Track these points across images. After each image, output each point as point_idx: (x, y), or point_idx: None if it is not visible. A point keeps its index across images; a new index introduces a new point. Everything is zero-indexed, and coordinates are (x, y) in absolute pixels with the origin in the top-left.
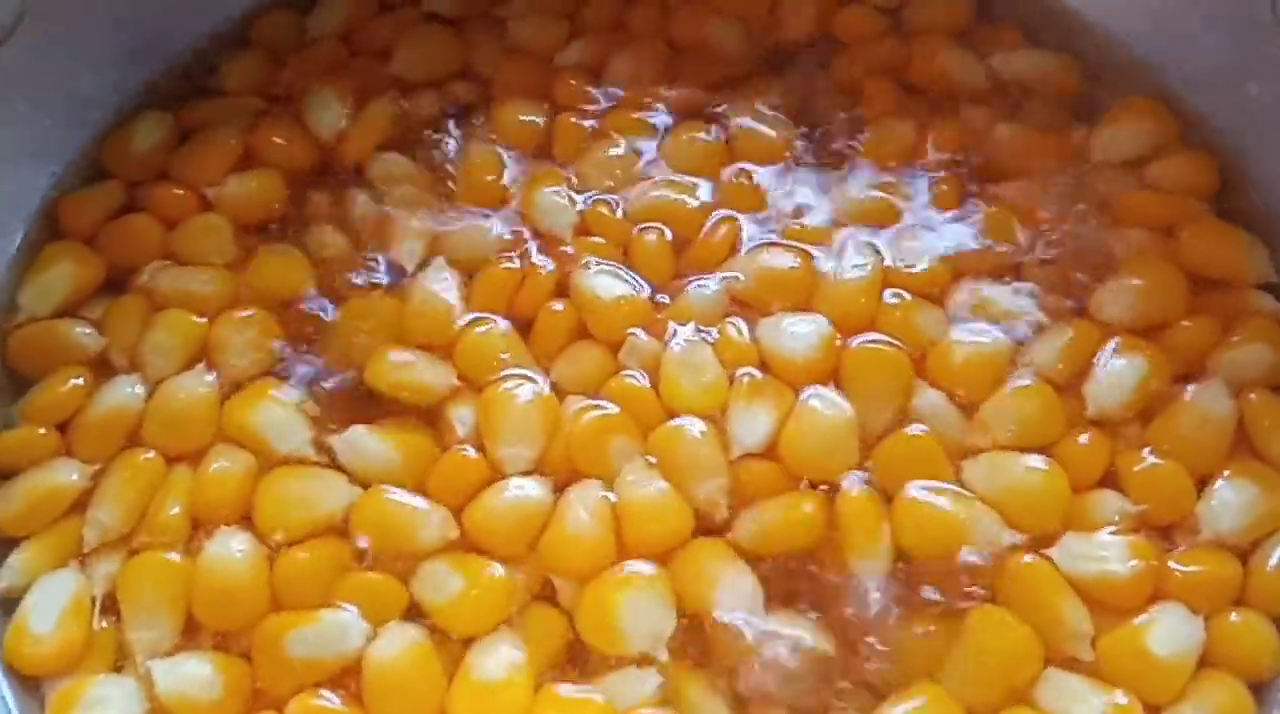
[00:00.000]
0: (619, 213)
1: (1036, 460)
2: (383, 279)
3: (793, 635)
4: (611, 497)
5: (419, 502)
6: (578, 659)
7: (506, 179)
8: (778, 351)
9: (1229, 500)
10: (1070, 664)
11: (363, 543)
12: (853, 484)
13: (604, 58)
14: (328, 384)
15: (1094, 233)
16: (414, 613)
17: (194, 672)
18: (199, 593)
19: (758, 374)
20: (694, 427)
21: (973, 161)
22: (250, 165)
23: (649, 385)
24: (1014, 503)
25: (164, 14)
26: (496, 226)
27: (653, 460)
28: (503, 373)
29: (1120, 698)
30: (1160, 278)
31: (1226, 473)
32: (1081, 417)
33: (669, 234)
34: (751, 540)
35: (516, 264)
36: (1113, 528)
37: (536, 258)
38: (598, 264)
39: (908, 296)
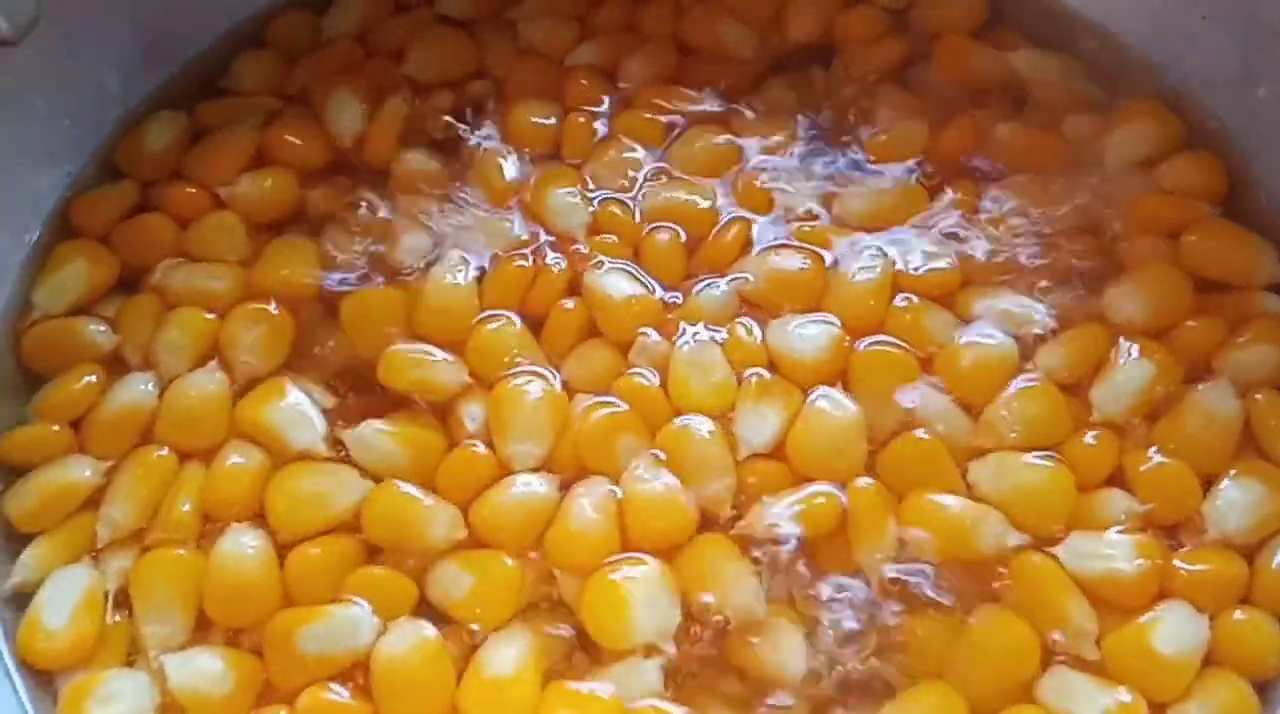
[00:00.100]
0: (631, 213)
1: (1043, 460)
2: (396, 275)
3: (796, 632)
4: (618, 493)
5: (429, 498)
6: (585, 651)
7: (519, 179)
8: (787, 352)
9: (1235, 500)
10: (1075, 662)
11: (373, 540)
12: (861, 480)
13: (616, 59)
14: (339, 378)
15: (1101, 235)
16: (424, 608)
17: (206, 666)
18: (211, 589)
19: (766, 375)
20: (702, 426)
21: (982, 164)
22: (263, 164)
23: (658, 384)
24: (1020, 503)
25: (179, 14)
26: (509, 225)
27: (661, 456)
28: (513, 370)
29: (1125, 696)
30: (1167, 280)
31: (1232, 472)
32: (1088, 416)
33: (681, 234)
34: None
35: (529, 262)
36: (1119, 527)
37: (549, 256)
38: (609, 263)
39: (916, 299)
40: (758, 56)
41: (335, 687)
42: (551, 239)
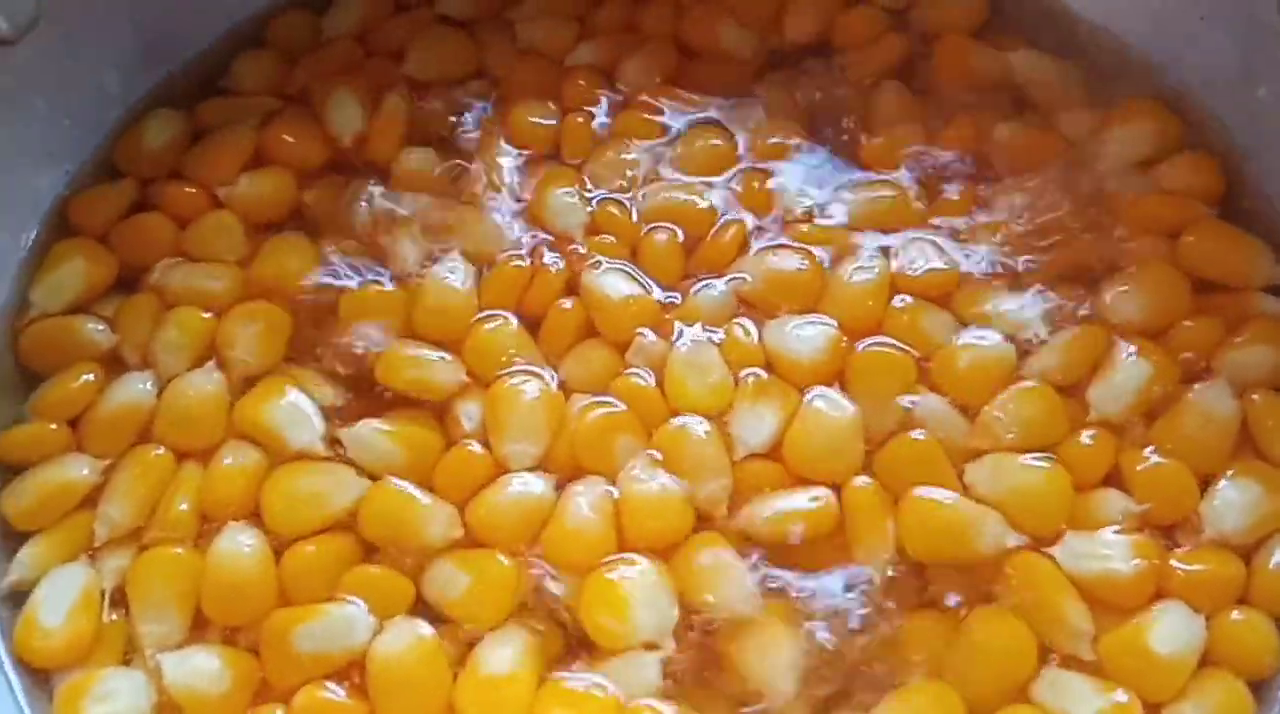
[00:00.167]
0: (629, 213)
1: (1040, 461)
2: (394, 274)
3: (790, 648)
4: (614, 492)
5: (425, 497)
6: (581, 650)
7: (518, 179)
8: (784, 353)
9: (1232, 500)
10: (1071, 662)
11: (369, 538)
12: (859, 480)
13: (615, 59)
14: (337, 376)
15: (1100, 235)
16: (420, 607)
17: (202, 665)
18: (207, 588)
19: (763, 375)
20: (698, 426)
21: (981, 164)
22: (262, 164)
23: (655, 385)
24: (1017, 504)
25: (179, 14)
26: (508, 225)
27: (657, 456)
28: (510, 370)
29: (1120, 696)
30: (1165, 280)
31: (1230, 472)
32: (1085, 417)
33: (679, 235)
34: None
35: (527, 263)
36: (1116, 527)
37: (547, 256)
38: (607, 263)
39: (914, 301)
40: (757, 57)
41: (331, 685)
42: (550, 239)
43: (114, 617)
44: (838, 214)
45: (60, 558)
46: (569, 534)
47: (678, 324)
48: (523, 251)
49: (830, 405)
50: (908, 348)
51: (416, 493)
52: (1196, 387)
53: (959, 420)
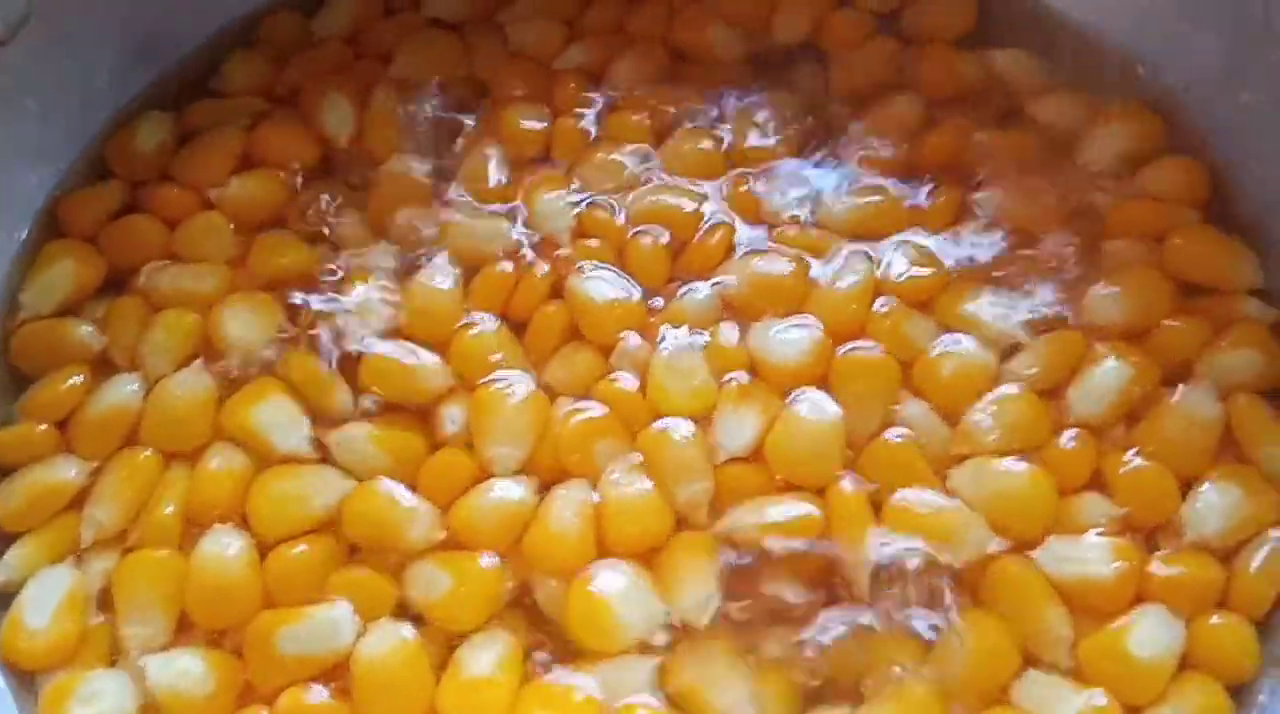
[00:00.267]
0: (617, 216)
1: (1022, 465)
2: (382, 277)
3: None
4: (595, 497)
5: (409, 499)
6: (569, 654)
7: (507, 182)
8: (768, 357)
9: (1213, 503)
10: (1052, 665)
11: (352, 538)
12: (846, 482)
13: (604, 62)
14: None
15: (1084, 239)
16: (404, 609)
17: (186, 667)
18: (192, 590)
19: (746, 379)
20: (680, 429)
21: (966, 168)
22: (252, 166)
23: (637, 388)
24: (1001, 508)
25: (170, 15)
26: (495, 228)
27: (639, 460)
28: (495, 373)
29: (1099, 699)
30: (1145, 283)
31: (1212, 476)
32: (1066, 420)
33: (665, 238)
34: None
35: (513, 266)
36: (1097, 530)
37: (533, 260)
38: (592, 267)
39: (897, 305)
40: (746, 60)
41: (315, 687)
42: (536, 242)
43: (100, 619)
44: (824, 218)
45: (47, 559)
46: (550, 538)
47: (662, 327)
48: (509, 255)
49: (812, 408)
50: (891, 352)
51: (400, 495)
52: (1179, 389)
53: (941, 425)
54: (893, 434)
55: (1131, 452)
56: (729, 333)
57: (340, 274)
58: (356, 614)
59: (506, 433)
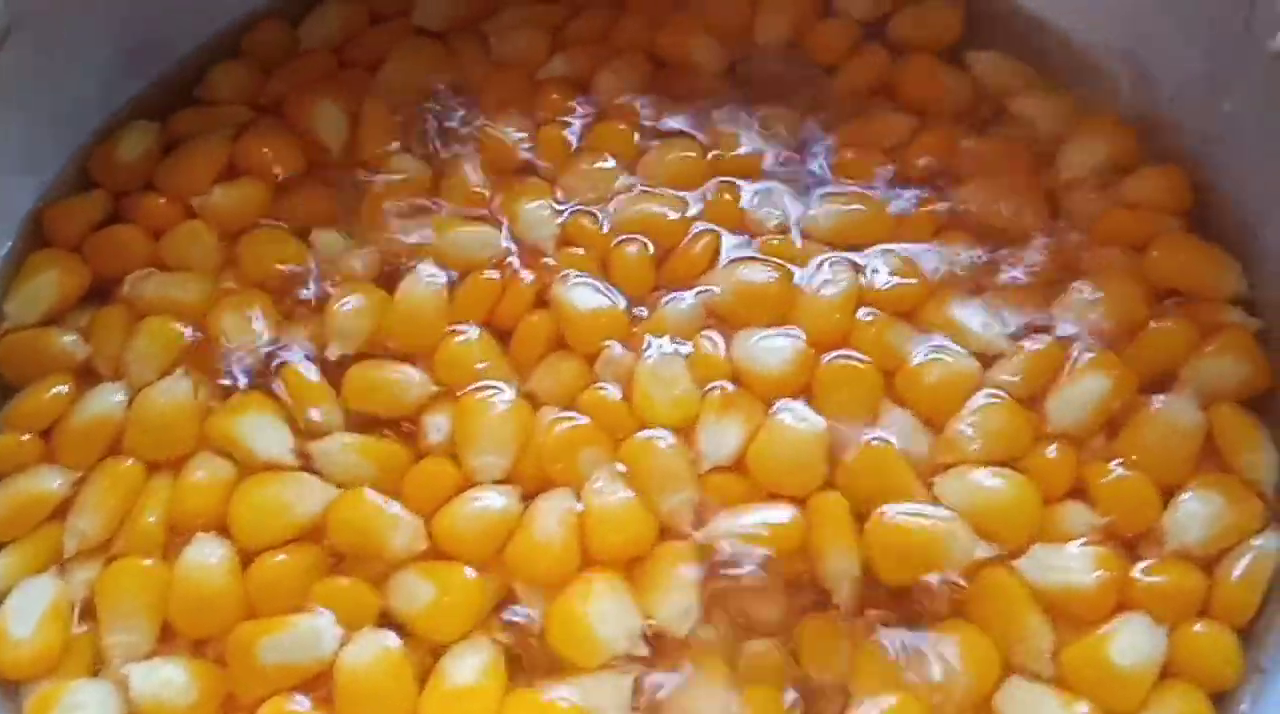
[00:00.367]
0: (601, 225)
1: (1006, 474)
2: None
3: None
4: (579, 506)
5: (392, 508)
6: (553, 666)
7: (491, 191)
8: (752, 366)
9: (1195, 512)
10: (1033, 674)
11: (336, 546)
12: (827, 494)
13: (590, 71)
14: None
15: (1067, 247)
16: (387, 619)
17: (169, 676)
18: (175, 599)
19: (730, 388)
20: (664, 439)
21: (950, 177)
22: (237, 175)
23: (621, 398)
24: (985, 517)
25: (156, 24)
26: (480, 237)
27: (622, 469)
28: (480, 382)
29: (1081, 707)
30: (1123, 290)
31: (1193, 485)
32: (1046, 430)
33: (649, 247)
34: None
35: (498, 275)
36: (1079, 539)
37: (518, 269)
38: (576, 276)
39: (881, 314)
40: (730, 69)
41: (298, 697)
42: (521, 251)
43: (84, 628)
44: (808, 227)
45: (30, 569)
46: (534, 547)
47: (647, 336)
48: (494, 264)
49: (795, 418)
50: (874, 361)
51: (383, 502)
52: (1161, 398)
53: (924, 434)
54: (874, 439)
55: (1113, 461)
56: (712, 342)
57: (326, 281)
58: (339, 624)
59: (490, 442)
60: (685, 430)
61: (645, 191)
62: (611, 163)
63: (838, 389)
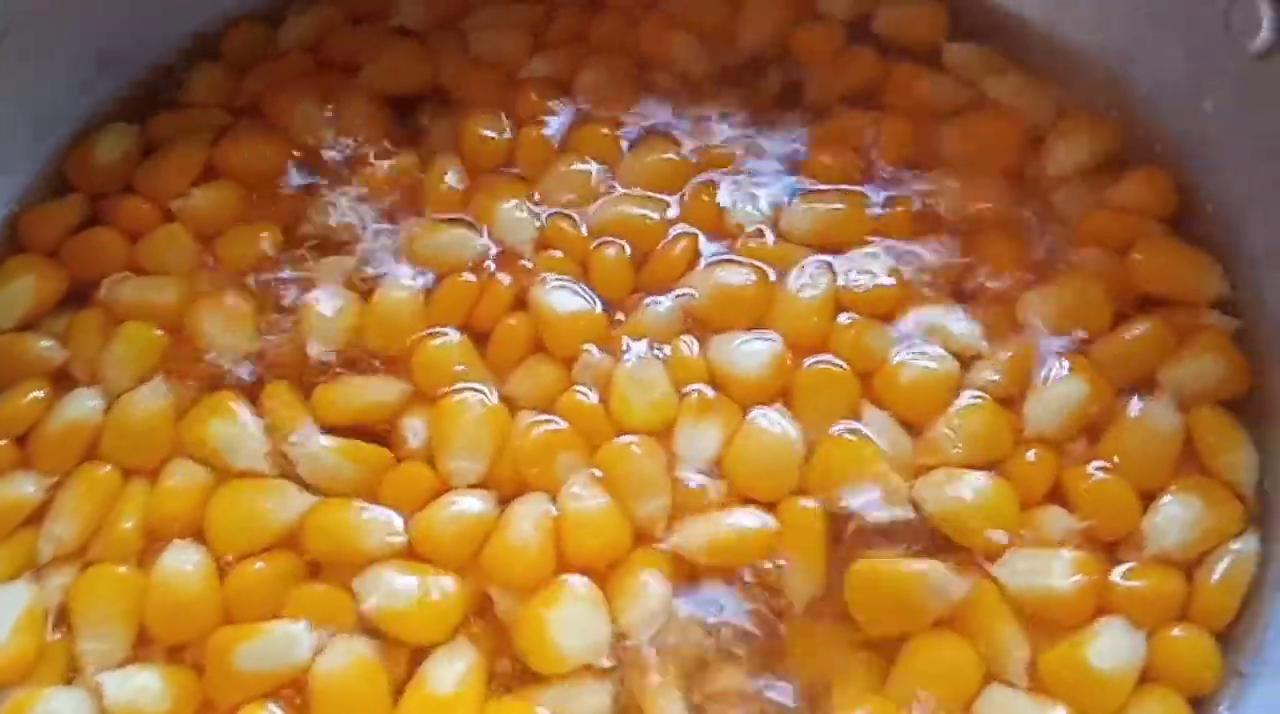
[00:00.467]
0: (579, 228)
1: (985, 477)
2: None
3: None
4: (554, 510)
5: (369, 511)
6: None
7: (469, 193)
8: (730, 370)
9: (1175, 515)
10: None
11: (313, 554)
12: (804, 502)
13: (569, 71)
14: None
15: (1047, 249)
16: (364, 626)
17: (144, 683)
18: (151, 606)
19: (708, 392)
20: (640, 444)
21: (930, 178)
22: (216, 177)
23: (598, 402)
24: (964, 520)
25: (133, 27)
26: (458, 239)
27: (598, 474)
28: (457, 386)
29: (1060, 712)
30: (1098, 292)
31: (1173, 488)
32: (1024, 433)
33: (628, 249)
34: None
35: (476, 277)
36: (1058, 544)
37: (496, 272)
38: (555, 279)
39: (859, 317)
40: (711, 70)
41: (272, 705)
42: (499, 253)
43: (58, 635)
44: (786, 229)
45: (5, 575)
46: (509, 551)
47: (625, 340)
48: (472, 266)
49: (771, 423)
50: (852, 364)
51: (360, 508)
52: (1140, 402)
53: (903, 436)
54: (844, 431)
55: (1092, 465)
56: (690, 346)
57: (305, 283)
58: (315, 630)
59: (467, 446)
60: (663, 434)
61: (624, 193)
62: (591, 164)
63: (816, 393)
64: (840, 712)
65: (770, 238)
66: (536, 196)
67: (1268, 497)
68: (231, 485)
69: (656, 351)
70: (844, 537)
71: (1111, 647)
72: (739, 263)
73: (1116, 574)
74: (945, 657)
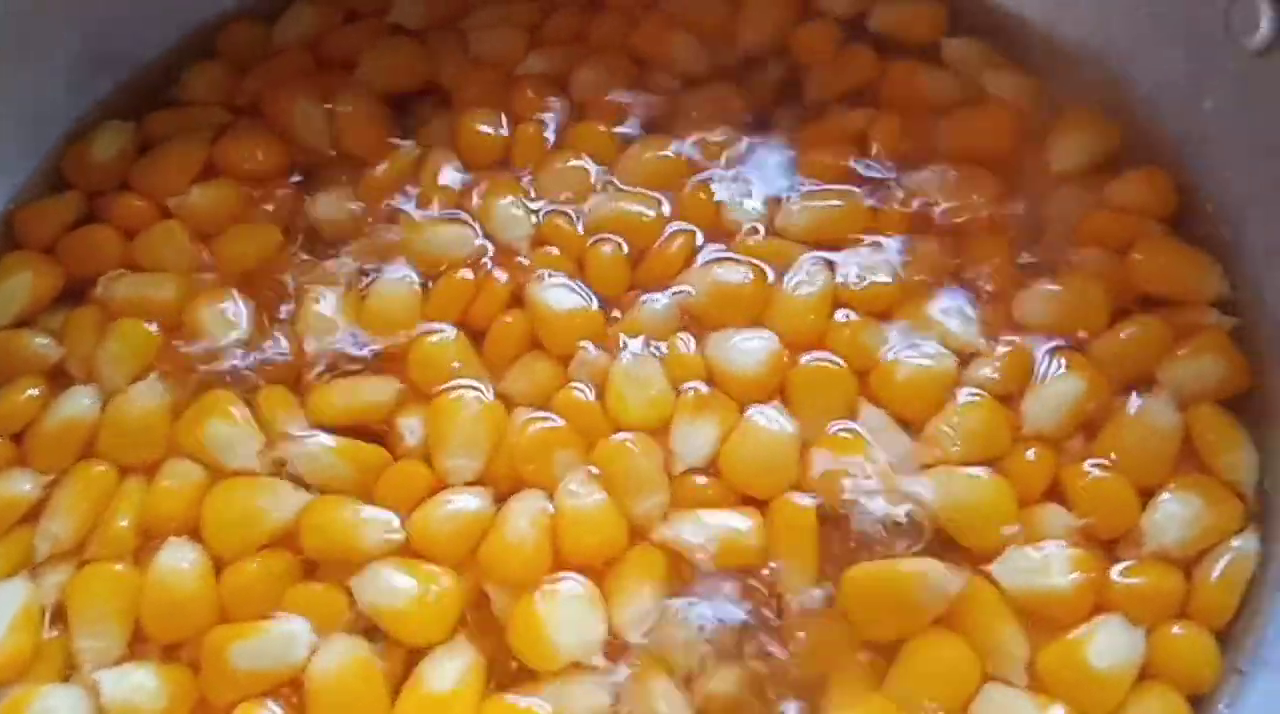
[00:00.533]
0: (576, 225)
1: (983, 474)
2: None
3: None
4: (551, 508)
5: (366, 510)
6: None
7: (465, 189)
8: (726, 367)
9: (1173, 513)
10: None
11: (309, 553)
12: (797, 497)
13: (566, 69)
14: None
15: (1048, 248)
16: (361, 623)
17: (140, 682)
18: (147, 604)
19: (704, 389)
20: (637, 441)
21: (927, 175)
22: (213, 175)
23: (595, 399)
24: (963, 516)
25: (128, 24)
26: (454, 237)
27: (595, 471)
28: (453, 383)
29: (1059, 711)
30: (1097, 291)
31: (1171, 486)
32: (1022, 431)
33: (624, 247)
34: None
35: (472, 274)
36: (1057, 541)
37: (492, 269)
38: (551, 276)
39: (856, 314)
40: (708, 67)
41: (270, 703)
42: (495, 250)
43: (54, 633)
44: (784, 226)
45: (1, 573)
46: (506, 548)
47: (622, 337)
48: (469, 263)
49: (768, 420)
50: (848, 362)
51: (356, 507)
52: (1139, 399)
53: (900, 434)
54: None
55: (1091, 462)
56: (687, 343)
57: (302, 280)
58: (312, 629)
59: (463, 443)
60: (659, 432)
61: (621, 191)
62: (587, 162)
63: (813, 391)
64: (839, 712)
65: (768, 234)
66: (533, 194)
67: (1267, 496)
68: (227, 484)
69: (653, 349)
70: (841, 535)
71: (1110, 645)
72: (736, 260)
73: (1115, 572)
74: (943, 656)
